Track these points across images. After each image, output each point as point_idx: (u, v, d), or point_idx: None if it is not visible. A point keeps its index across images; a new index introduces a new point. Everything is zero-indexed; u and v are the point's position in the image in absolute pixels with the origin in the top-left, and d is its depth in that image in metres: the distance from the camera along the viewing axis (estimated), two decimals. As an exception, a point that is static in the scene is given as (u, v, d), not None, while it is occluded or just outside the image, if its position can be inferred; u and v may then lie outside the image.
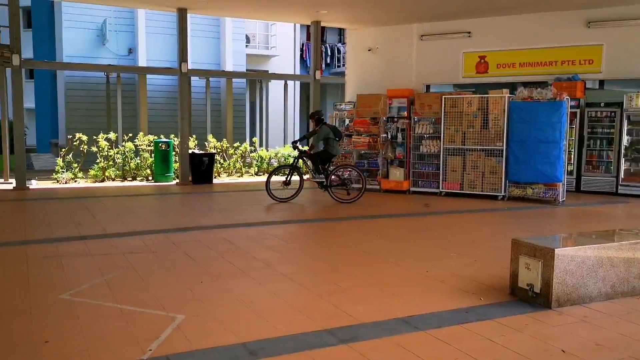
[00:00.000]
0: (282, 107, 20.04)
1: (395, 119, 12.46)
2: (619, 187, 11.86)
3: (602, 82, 12.84)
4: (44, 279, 5.52)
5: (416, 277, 5.68)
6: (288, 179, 10.84)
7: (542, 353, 3.82)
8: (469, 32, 13.40)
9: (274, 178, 11.12)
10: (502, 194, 11.22)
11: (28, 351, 3.77)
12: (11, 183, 13.17)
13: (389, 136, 12.47)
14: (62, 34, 19.85)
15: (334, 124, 12.21)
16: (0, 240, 7.33)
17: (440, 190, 11.88)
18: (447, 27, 13.60)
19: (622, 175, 11.86)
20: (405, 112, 12.35)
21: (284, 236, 7.83)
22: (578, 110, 12.06)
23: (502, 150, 11.10)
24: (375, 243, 7.36)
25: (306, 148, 11.22)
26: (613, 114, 11.90)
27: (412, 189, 12.27)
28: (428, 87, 14.20)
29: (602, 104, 12.12)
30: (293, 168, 10.93)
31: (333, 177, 10.82)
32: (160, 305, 4.69)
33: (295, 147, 11.01)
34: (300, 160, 11.13)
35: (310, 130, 11.39)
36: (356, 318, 4.46)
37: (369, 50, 14.39)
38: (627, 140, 11.78)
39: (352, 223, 8.99)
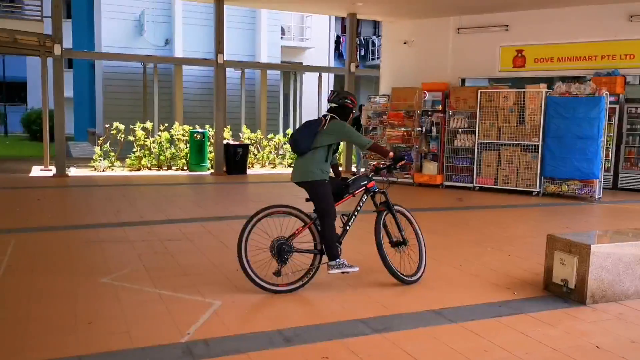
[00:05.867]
0: (315, 99, 20.10)
1: (430, 113, 12.41)
2: (659, 185, 11.63)
3: (643, 78, 12.58)
4: (86, 263, 5.71)
5: (450, 271, 5.70)
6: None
7: (576, 348, 3.81)
8: (507, 26, 13.18)
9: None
10: (537, 190, 11.09)
11: (72, 331, 3.93)
12: (51, 170, 13.58)
13: (423, 130, 12.42)
14: (101, 25, 20.27)
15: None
16: (44, 224, 7.59)
17: (474, 185, 11.80)
18: (485, 21, 13.40)
19: (662, 173, 11.62)
20: (440, 106, 12.30)
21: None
22: (617, 106, 11.80)
23: (538, 146, 10.97)
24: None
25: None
26: (654, 110, 11.66)
27: (446, 183, 12.22)
28: (463, 81, 14.07)
29: (643, 100, 11.87)
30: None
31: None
32: (197, 292, 4.82)
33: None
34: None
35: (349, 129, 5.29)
36: (389, 309, 4.51)
37: (405, 43, 14.32)
38: (669, 138, 11.53)
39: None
